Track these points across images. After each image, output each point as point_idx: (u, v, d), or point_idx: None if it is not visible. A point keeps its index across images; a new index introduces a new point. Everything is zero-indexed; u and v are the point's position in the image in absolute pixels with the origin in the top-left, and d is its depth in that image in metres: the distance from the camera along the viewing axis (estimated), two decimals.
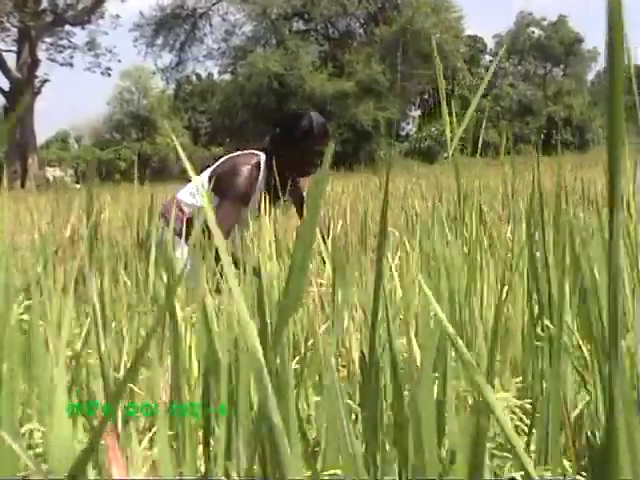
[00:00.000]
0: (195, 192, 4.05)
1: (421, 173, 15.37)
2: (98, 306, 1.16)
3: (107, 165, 37.45)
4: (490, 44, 48.97)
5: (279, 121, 4.30)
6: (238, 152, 4.16)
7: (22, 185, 28.11)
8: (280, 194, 3.93)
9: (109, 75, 35.81)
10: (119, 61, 37.45)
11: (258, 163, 4.01)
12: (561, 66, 50.76)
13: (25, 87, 31.51)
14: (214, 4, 38.57)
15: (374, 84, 34.24)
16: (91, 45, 34.78)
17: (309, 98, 32.53)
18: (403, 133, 39.72)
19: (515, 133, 38.88)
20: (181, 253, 3.51)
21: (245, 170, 3.94)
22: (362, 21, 38.22)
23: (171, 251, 1.50)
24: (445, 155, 33.46)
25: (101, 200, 5.97)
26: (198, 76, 42.62)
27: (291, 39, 35.62)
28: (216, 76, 41.77)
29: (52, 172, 30.16)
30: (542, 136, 38.50)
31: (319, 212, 0.65)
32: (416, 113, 41.23)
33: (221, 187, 3.84)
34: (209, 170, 4.13)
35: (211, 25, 39.20)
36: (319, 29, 37.82)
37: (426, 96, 38.09)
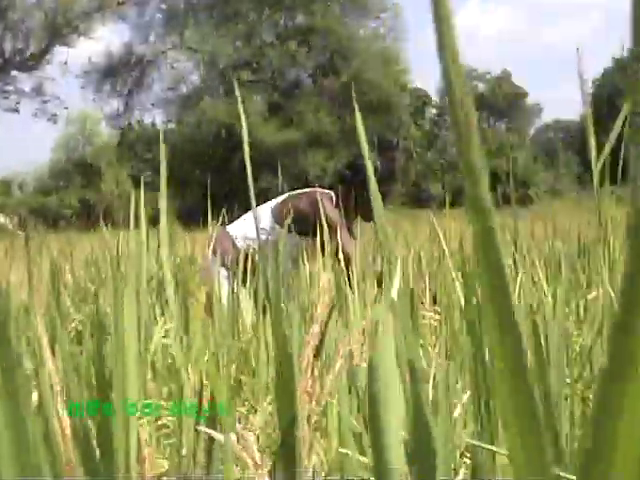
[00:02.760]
0: (262, 228, 4.07)
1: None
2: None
3: (51, 212, 37.16)
4: (435, 97, 49.60)
5: (350, 164, 4.38)
6: (306, 189, 4.29)
7: None
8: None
9: (55, 122, 35.67)
10: (66, 108, 37.27)
11: (332, 200, 4.14)
12: (505, 120, 51.54)
13: None
14: (163, 52, 38.66)
15: (323, 134, 34.44)
16: (38, 91, 34.65)
17: (258, 148, 32.61)
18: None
19: (459, 185, 39.31)
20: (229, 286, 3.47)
21: (329, 204, 4.06)
22: (311, 71, 38.50)
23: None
24: (389, 206, 33.66)
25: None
26: (141, 124, 42.56)
27: (239, 89, 35.78)
28: (159, 125, 41.77)
29: None
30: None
31: None
32: (362, 163, 41.42)
33: (307, 221, 3.88)
34: (268, 205, 4.27)
35: (159, 73, 39.31)
36: (267, 79, 38.02)
37: (371, 148, 38.37)
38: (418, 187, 38.54)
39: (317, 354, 1.13)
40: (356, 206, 4.11)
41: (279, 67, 37.83)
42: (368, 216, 4.19)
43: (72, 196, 39.73)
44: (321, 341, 1.16)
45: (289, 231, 4.00)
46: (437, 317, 2.21)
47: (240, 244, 3.98)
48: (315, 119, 34.89)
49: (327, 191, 4.19)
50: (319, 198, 4.03)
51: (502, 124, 51.52)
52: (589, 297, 2.30)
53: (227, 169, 32.61)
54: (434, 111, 49.13)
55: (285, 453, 0.97)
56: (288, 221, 3.99)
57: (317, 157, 33.53)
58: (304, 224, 3.85)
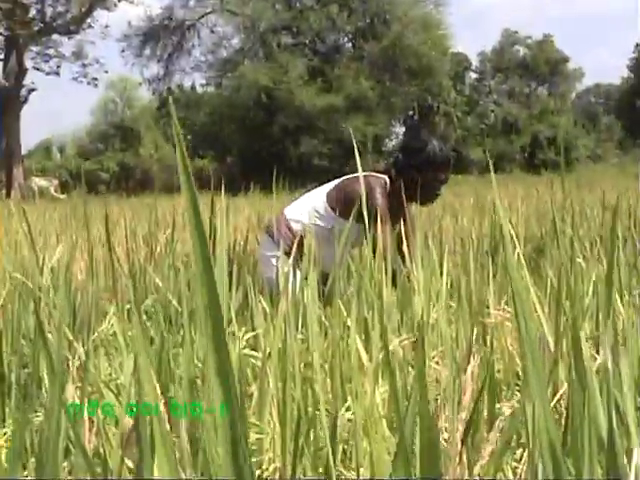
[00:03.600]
0: (317, 212, 4.05)
1: None
2: None
3: (90, 176, 37.33)
4: (475, 62, 49.16)
5: (403, 147, 4.29)
6: (358, 173, 4.15)
7: (7, 195, 27.92)
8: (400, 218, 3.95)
9: (95, 85, 35.68)
10: (106, 72, 37.29)
11: (385, 186, 4.05)
12: (546, 85, 51.00)
13: (12, 95, 31.42)
14: (202, 16, 38.54)
15: (363, 99, 34.21)
16: (78, 55, 34.68)
17: (298, 113, 32.48)
18: (386, 149, 39.80)
19: (500, 151, 38.99)
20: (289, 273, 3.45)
21: (380, 191, 3.99)
22: (350, 36, 38.21)
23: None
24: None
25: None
26: (180, 88, 42.53)
27: (279, 53, 35.60)
28: (198, 88, 41.70)
29: (37, 182, 30.03)
30: (526, 155, 38.61)
31: None
32: (401, 129, 41.27)
33: (349, 208, 3.73)
34: (324, 189, 4.16)
35: (199, 37, 39.19)
36: (307, 43, 37.79)
37: (411, 112, 38.15)
38: (458, 152, 38.31)
39: (465, 440, 1.11)
40: (411, 191, 4.04)
41: (319, 31, 37.56)
42: (425, 201, 4.14)
43: (111, 160, 39.92)
44: (468, 427, 1.14)
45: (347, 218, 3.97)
46: (507, 315, 2.14)
47: (296, 228, 3.97)
48: (355, 84, 34.66)
49: (381, 176, 4.10)
50: (372, 185, 3.98)
51: (544, 89, 50.99)
52: None
53: (267, 133, 32.55)
54: (474, 76, 48.75)
55: None
56: (341, 208, 3.96)
57: (356, 122, 33.31)
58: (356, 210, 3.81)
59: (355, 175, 4.10)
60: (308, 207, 4.08)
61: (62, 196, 25.19)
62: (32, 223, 6.49)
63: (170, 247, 4.05)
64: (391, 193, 4.04)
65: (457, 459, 1.05)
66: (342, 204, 3.95)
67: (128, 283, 3.16)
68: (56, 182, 30.41)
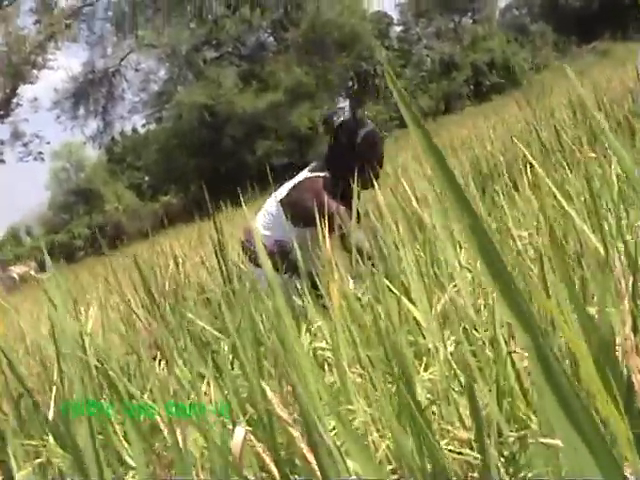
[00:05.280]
0: (267, 223, 3.95)
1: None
2: None
3: (64, 247, 37.23)
4: (395, 15, 49.15)
5: (330, 148, 4.08)
6: (301, 178, 3.98)
7: None
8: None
9: (42, 159, 35.51)
10: (48, 143, 37.15)
11: (329, 184, 3.88)
12: (469, 14, 50.98)
13: None
14: (123, 59, 38.38)
15: (301, 87, 34.20)
16: (16, 135, 34.49)
17: (243, 120, 32.44)
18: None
19: (445, 92, 38.97)
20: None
21: (326, 194, 3.81)
22: (270, 30, 38.19)
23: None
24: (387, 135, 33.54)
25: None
26: (123, 135, 42.39)
27: (207, 69, 35.55)
28: (140, 129, 41.55)
29: (15, 270, 29.90)
30: (472, 86, 38.61)
31: None
32: (345, 103, 41.15)
33: (305, 217, 3.62)
34: (278, 197, 3.98)
35: (126, 80, 39.03)
36: (231, 51, 37.75)
37: (350, 83, 38.11)
38: None
39: (636, 330, 1.09)
40: (339, 180, 3.81)
41: (239, 36, 37.53)
42: (365, 183, 3.90)
43: (79, 226, 39.81)
44: (634, 318, 1.12)
45: (297, 225, 3.81)
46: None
47: (267, 242, 3.85)
48: (288, 75, 34.64)
49: (321, 175, 3.94)
50: (317, 191, 3.80)
51: (468, 19, 50.98)
52: None
53: (220, 149, 32.49)
54: (399, 29, 48.68)
55: None
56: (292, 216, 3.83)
57: (302, 110, 33.32)
58: (308, 218, 3.60)
59: (299, 181, 3.97)
60: (271, 220, 3.96)
61: (44, 276, 25.09)
62: (28, 308, 6.48)
63: (187, 282, 4.01)
64: (337, 187, 3.87)
65: (633, 351, 1.03)
66: (298, 217, 3.82)
67: (169, 326, 3.12)
68: (33, 264, 30.30)
